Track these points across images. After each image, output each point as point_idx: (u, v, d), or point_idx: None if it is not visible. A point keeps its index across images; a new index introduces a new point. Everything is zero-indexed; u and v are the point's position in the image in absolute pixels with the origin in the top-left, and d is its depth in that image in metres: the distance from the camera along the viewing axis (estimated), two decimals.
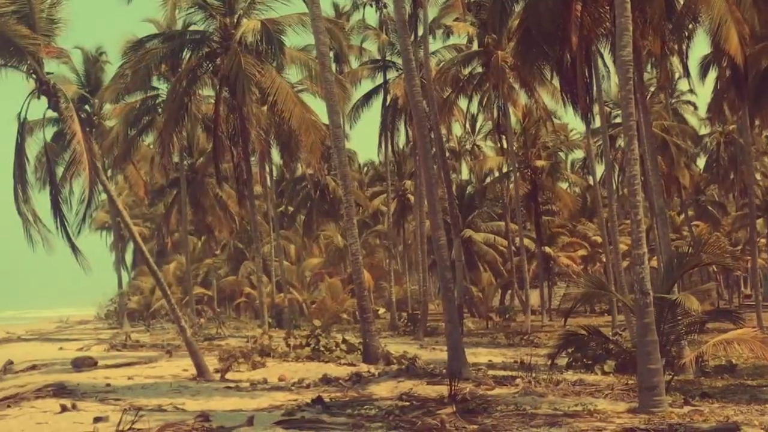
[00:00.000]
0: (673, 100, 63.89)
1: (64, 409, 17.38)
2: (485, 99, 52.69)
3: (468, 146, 73.36)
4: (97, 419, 15.89)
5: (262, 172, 47.65)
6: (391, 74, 51.74)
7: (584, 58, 31.29)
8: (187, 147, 54.61)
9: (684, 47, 33.40)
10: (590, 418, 15.86)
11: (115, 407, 17.90)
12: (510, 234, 55.82)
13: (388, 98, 51.24)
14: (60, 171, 28.33)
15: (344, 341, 29.38)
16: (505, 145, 54.24)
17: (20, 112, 24.14)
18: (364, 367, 25.57)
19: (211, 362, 26.17)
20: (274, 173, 59.88)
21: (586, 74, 32.37)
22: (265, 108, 38.97)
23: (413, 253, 66.17)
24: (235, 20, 38.29)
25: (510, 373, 23.40)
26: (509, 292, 64.57)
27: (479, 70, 49.57)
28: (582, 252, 62.57)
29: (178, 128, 40.00)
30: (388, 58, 52.26)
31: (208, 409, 17.60)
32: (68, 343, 43.98)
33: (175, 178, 58.00)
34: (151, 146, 54.59)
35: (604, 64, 37.41)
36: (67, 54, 26.14)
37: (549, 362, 22.82)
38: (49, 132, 37.72)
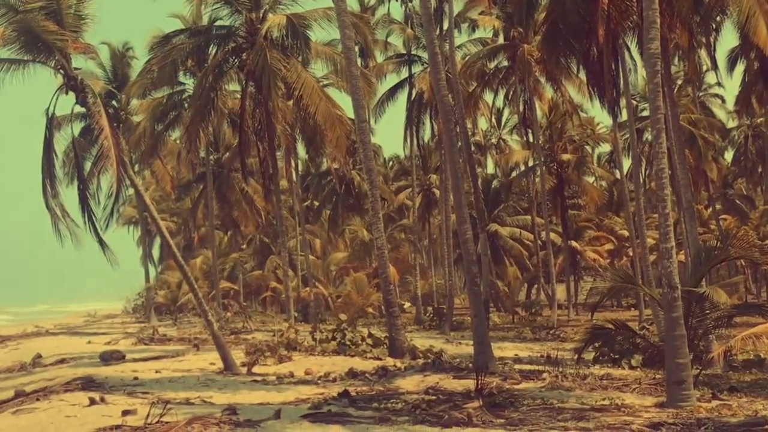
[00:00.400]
0: (701, 93, 63.44)
1: (92, 402, 17.52)
2: (511, 93, 52.60)
3: (494, 140, 73.19)
4: (125, 412, 16.00)
5: (288, 167, 47.73)
6: (417, 68, 51.70)
7: (611, 51, 31.09)
8: (213, 142, 54.83)
9: (712, 40, 33.14)
10: (618, 413, 15.82)
11: (143, 400, 18.02)
12: (536, 228, 55.63)
13: (414, 92, 51.21)
14: (88, 166, 28.40)
15: (370, 335, 29.41)
16: (531, 139, 54.08)
17: (48, 108, 24.30)
18: (390, 361, 25.60)
19: (238, 356, 26.27)
20: (300, 168, 60.02)
21: (613, 67, 32.16)
22: (290, 103, 39.02)
23: (438, 248, 66.15)
24: (261, 15, 38.36)
25: (536, 368, 23.37)
26: (535, 286, 64.43)
27: (505, 63, 49.46)
28: (608, 246, 62.27)
29: (205, 123, 40.08)
30: (413, 52, 52.19)
31: (235, 402, 17.69)
32: (96, 336, 44.27)
33: (201, 172, 58.27)
34: (178, 141, 54.83)
35: (631, 57, 37.24)
36: (94, 50, 26.16)
37: (576, 356, 22.76)
38: (77, 127, 37.99)
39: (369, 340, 28.83)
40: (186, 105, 46.27)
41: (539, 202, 55.10)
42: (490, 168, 72.06)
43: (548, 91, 50.85)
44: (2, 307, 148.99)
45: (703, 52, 38.87)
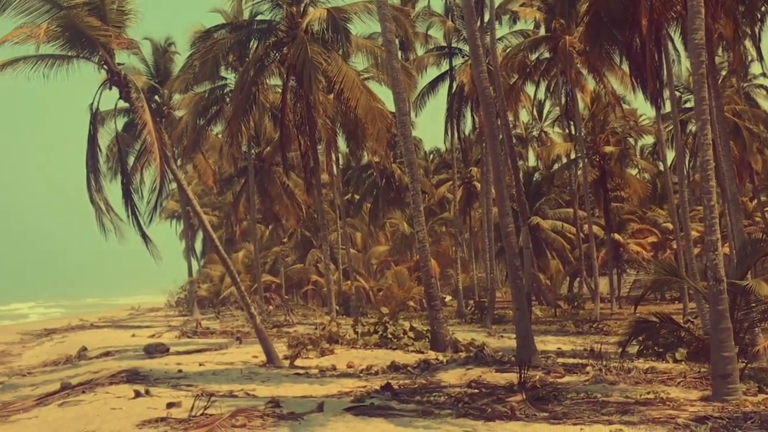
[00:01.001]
0: (746, 84, 62.50)
1: (137, 394, 17.68)
2: (552, 85, 52.25)
3: (535, 133, 72.76)
4: (170, 405, 16.13)
5: (329, 161, 47.76)
6: (457, 61, 51.53)
7: (654, 42, 30.80)
8: (254, 136, 55.03)
9: (757, 30, 32.69)
10: (663, 406, 15.68)
11: (187, 393, 18.16)
12: (578, 221, 55.27)
13: (454, 85, 51.05)
14: (131, 161, 28.61)
15: (412, 329, 29.40)
16: (573, 131, 53.72)
17: (92, 103, 24.53)
18: (432, 355, 25.59)
19: (280, 349, 26.40)
20: (341, 161, 60.06)
21: (656, 58, 31.86)
22: (331, 96, 39.04)
23: (480, 241, 65.98)
24: (302, 9, 38.44)
25: (580, 361, 23.23)
26: (577, 279, 64.04)
27: (546, 55, 49.14)
28: (652, 239, 61.67)
29: (246, 118, 40.25)
30: (453, 44, 52.01)
31: (278, 395, 17.77)
32: (140, 330, 44.74)
33: (243, 167, 58.54)
34: (220, 136, 55.18)
35: (675, 48, 36.86)
36: (137, 45, 26.37)
37: (620, 350, 22.56)
38: (120, 122, 38.38)
39: (411, 334, 28.83)
40: (227, 99, 46.51)
41: (581, 195, 54.72)
42: (532, 161, 71.66)
43: (590, 83, 50.49)
44: (54, 300, 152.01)
45: (748, 43, 38.29)
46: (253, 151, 55.71)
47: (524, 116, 66.40)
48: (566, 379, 19.75)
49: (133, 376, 21.10)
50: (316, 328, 31.40)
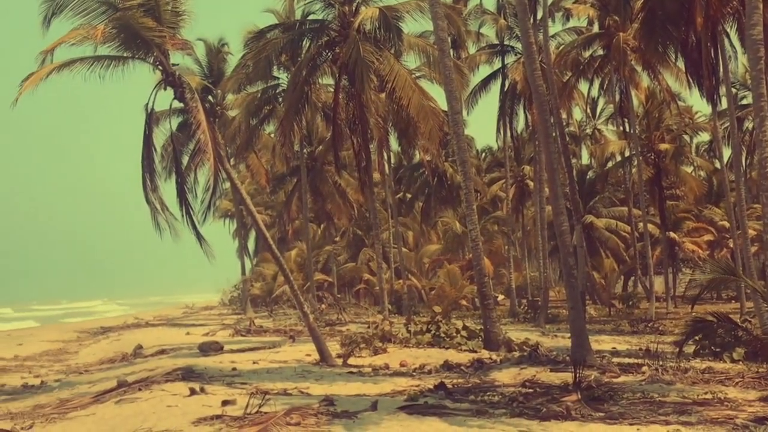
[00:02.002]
0: None
1: (192, 392, 17.82)
2: (606, 82, 51.79)
3: (588, 130, 72.16)
4: (225, 402, 16.24)
5: (381, 160, 47.78)
6: (509, 59, 51.27)
7: (710, 38, 30.43)
8: (306, 135, 55.28)
9: None
10: (720, 407, 15.46)
11: (241, 391, 18.27)
12: (633, 219, 54.69)
13: (507, 83, 50.80)
14: (185, 160, 28.90)
15: (464, 328, 29.28)
16: (627, 129, 53.17)
17: (147, 103, 24.78)
18: (485, 354, 25.48)
19: (333, 348, 26.46)
20: (392, 160, 60.05)
21: (712, 55, 31.47)
22: (383, 95, 39.08)
23: (532, 239, 65.56)
24: (354, 8, 38.51)
25: (635, 361, 22.96)
26: (632, 278, 63.37)
27: (600, 52, 48.74)
28: (708, 237, 60.79)
29: (299, 117, 40.40)
30: (506, 42, 51.76)
31: (331, 393, 17.80)
32: (194, 328, 45.13)
33: (295, 166, 58.81)
34: (272, 135, 55.51)
35: (731, 44, 36.25)
36: (191, 46, 26.56)
37: (676, 350, 22.27)
38: (175, 122, 38.71)
39: (463, 333, 28.72)
40: (280, 99, 46.78)
41: (636, 193, 54.15)
42: (585, 159, 71.08)
43: (645, 80, 49.97)
44: (119, 299, 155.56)
45: None
46: (305, 150, 55.95)
47: (577, 114, 65.93)
48: (622, 378, 19.54)
49: (188, 374, 21.27)
50: (368, 327, 31.41)
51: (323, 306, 54.97)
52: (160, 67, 24.51)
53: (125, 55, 24.33)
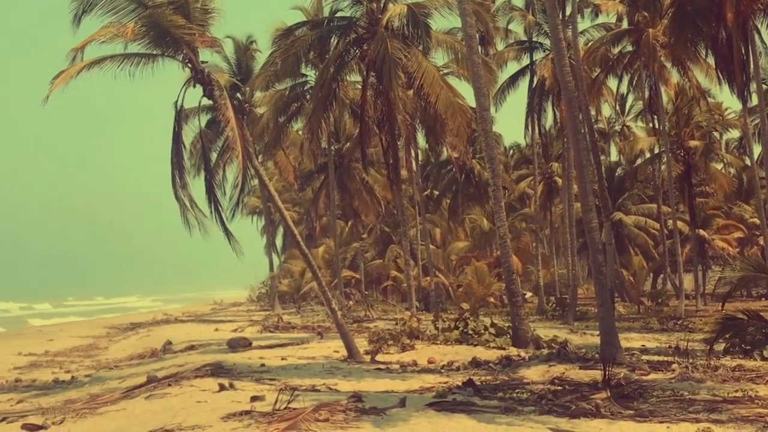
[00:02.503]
0: None
1: (222, 388, 17.90)
2: (635, 78, 51.51)
3: (617, 127, 71.76)
4: (254, 398, 16.28)
5: (408, 157, 47.74)
6: (538, 55, 51.12)
7: (740, 34, 30.21)
8: (334, 132, 55.32)
9: None
10: (751, 405, 15.35)
11: (270, 387, 18.33)
12: (662, 216, 54.36)
13: (535, 79, 50.62)
14: (214, 157, 28.98)
15: (493, 325, 29.22)
16: (656, 125, 52.83)
17: (177, 101, 24.89)
18: (513, 351, 25.43)
19: (361, 344, 26.49)
20: (420, 157, 59.98)
21: (743, 51, 31.22)
22: (411, 92, 39.00)
23: (560, 237, 65.31)
24: (382, 5, 38.44)
25: (665, 359, 22.83)
26: (661, 276, 63.00)
27: (629, 48, 48.47)
28: (738, 234, 60.33)
29: (326, 114, 40.40)
30: (534, 38, 51.60)
31: (359, 390, 17.82)
32: (223, 324, 45.36)
33: (323, 163, 58.88)
34: (300, 132, 55.58)
35: (761, 40, 35.98)
36: (220, 43, 26.67)
37: (707, 348, 22.11)
38: (204, 119, 38.91)
39: (492, 330, 28.65)
40: (308, 96, 46.83)
41: (665, 190, 53.82)
42: (614, 156, 70.73)
43: (674, 76, 49.61)
44: (154, 295, 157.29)
45: None
46: (333, 147, 55.98)
47: (606, 110, 65.58)
48: (652, 376, 19.43)
49: (217, 370, 21.36)
50: (396, 324, 31.41)
51: (351, 303, 55.08)
52: (190, 65, 24.63)
53: (155, 52, 24.47)
